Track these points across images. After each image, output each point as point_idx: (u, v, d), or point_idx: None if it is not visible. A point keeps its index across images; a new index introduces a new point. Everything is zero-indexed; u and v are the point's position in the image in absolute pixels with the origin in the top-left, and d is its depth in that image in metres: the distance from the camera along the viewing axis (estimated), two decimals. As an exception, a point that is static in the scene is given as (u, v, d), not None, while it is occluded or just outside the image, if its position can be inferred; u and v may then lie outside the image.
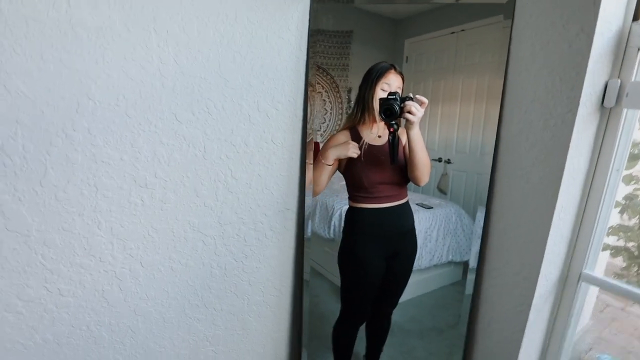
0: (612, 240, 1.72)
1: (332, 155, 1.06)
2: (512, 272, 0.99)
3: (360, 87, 1.05)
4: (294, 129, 1.06)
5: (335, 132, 1.12)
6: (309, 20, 1.01)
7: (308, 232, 1.16)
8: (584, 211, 0.97)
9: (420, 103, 0.93)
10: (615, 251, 1.69)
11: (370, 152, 1.06)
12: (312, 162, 1.09)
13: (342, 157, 1.06)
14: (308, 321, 1.22)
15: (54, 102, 0.72)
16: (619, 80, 0.86)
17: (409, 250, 1.15)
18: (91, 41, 0.73)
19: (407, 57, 1.13)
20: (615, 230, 1.60)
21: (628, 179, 1.49)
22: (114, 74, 0.77)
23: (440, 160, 1.14)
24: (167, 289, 0.96)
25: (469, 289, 1.09)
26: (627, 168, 1.35)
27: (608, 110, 0.89)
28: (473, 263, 1.07)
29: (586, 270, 0.99)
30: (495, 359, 1.07)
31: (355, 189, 1.10)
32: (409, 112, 0.92)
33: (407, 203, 1.12)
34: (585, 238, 0.98)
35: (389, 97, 0.93)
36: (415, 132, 0.96)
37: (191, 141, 0.90)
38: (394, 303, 1.20)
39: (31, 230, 0.75)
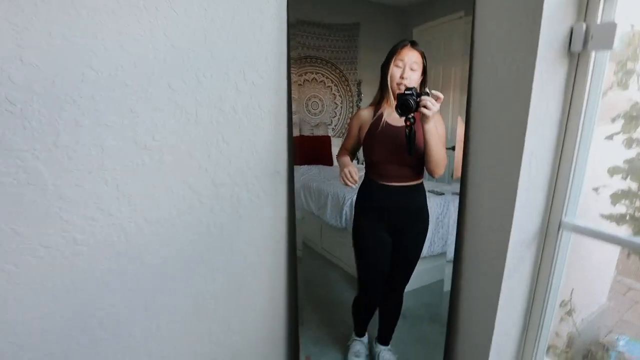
0: (621, 208, 1.66)
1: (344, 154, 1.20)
2: (487, 225, 1.02)
3: (382, 67, 1.10)
4: (280, 97, 1.14)
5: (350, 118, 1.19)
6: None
7: (302, 198, 1.24)
8: (560, 158, 0.98)
9: (436, 98, 0.97)
10: (621, 219, 1.62)
11: (386, 131, 1.11)
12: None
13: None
14: (303, 284, 1.29)
15: (61, 73, 0.85)
16: (584, 24, 0.88)
17: (415, 228, 1.18)
18: (90, 18, 0.85)
19: None
20: (618, 197, 1.54)
21: (629, 142, 1.44)
22: (110, 47, 0.88)
23: (453, 148, 1.14)
24: (169, 244, 1.07)
25: (448, 283, 1.11)
26: (626, 131, 1.32)
27: (577, 55, 0.91)
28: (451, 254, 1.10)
29: (566, 219, 1.01)
30: (477, 311, 1.09)
31: (367, 163, 1.17)
32: (425, 107, 0.96)
33: (418, 185, 1.14)
34: (562, 185, 0.99)
35: (406, 92, 0.98)
36: (431, 126, 1.00)
37: (184, 107, 1.00)
38: (403, 281, 1.23)
39: (48, 185, 0.88)
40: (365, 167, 1.17)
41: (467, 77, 1.03)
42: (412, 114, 0.99)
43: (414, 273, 1.21)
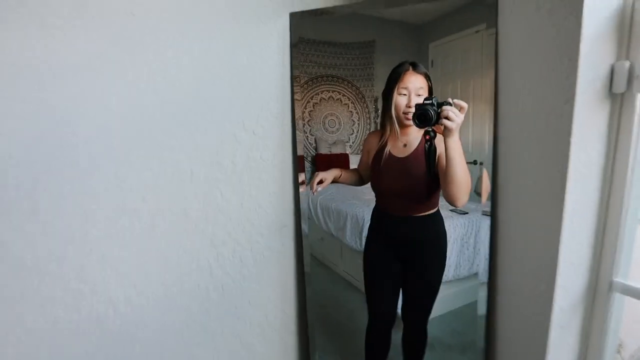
0: None
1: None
2: (528, 285, 0.89)
3: (383, 94, 1.03)
4: (283, 145, 1.05)
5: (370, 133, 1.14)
6: (290, 36, 1.01)
7: (320, 218, 1.18)
8: (606, 212, 0.85)
9: (460, 108, 0.85)
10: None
11: (390, 163, 1.03)
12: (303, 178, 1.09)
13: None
14: (315, 341, 1.17)
15: (39, 139, 0.77)
16: (628, 62, 0.76)
17: (429, 260, 1.07)
18: (69, 79, 0.77)
19: (432, 61, 1.11)
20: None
21: None
22: (93, 108, 0.80)
23: (475, 162, 1.04)
24: (165, 314, 0.96)
25: (482, 308, 0.99)
26: None
27: (619, 97, 0.80)
28: (483, 277, 0.98)
29: (618, 279, 0.87)
30: (520, 345, 0.94)
31: (375, 193, 1.09)
32: (447, 118, 0.84)
33: (430, 215, 1.04)
34: (611, 242, 0.86)
35: (425, 101, 0.88)
36: (454, 141, 0.86)
37: (176, 165, 0.91)
38: (420, 314, 1.12)
39: (25, 260, 0.79)
40: (375, 196, 1.11)
41: (486, 90, 0.94)
42: (432, 127, 0.87)
43: (439, 298, 1.12)
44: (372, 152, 1.07)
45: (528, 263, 0.89)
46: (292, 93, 1.04)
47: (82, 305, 0.86)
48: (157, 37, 0.84)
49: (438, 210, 1.04)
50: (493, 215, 0.95)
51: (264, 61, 0.99)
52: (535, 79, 0.79)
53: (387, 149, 1.03)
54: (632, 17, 0.76)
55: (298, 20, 1.03)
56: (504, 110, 0.88)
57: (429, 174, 0.95)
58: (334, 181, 1.11)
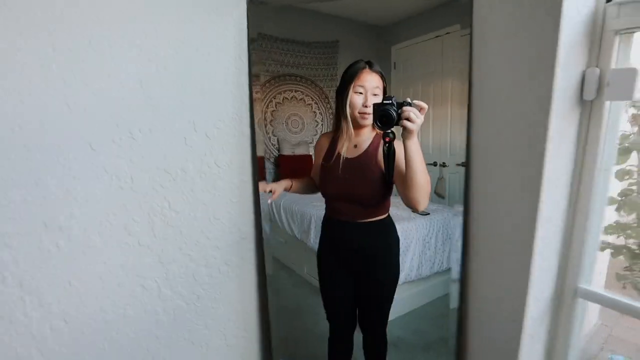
0: (611, 238, 1.61)
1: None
2: (498, 296, 0.87)
3: (337, 93, 0.97)
4: (242, 148, 0.94)
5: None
6: (247, 27, 0.90)
7: (283, 220, 1.15)
8: (573, 219, 0.85)
9: (420, 108, 0.80)
10: (616, 250, 1.58)
11: (340, 163, 0.96)
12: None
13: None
14: (284, 316, 1.11)
15: None
16: (598, 69, 0.75)
17: (381, 269, 1.02)
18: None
19: (394, 64, 1.11)
20: (613, 229, 1.49)
21: (621, 174, 1.40)
22: (7, 102, 0.65)
23: (435, 164, 1.08)
24: (102, 346, 0.82)
25: (454, 302, 0.98)
26: (619, 163, 1.26)
27: (589, 104, 0.79)
28: (455, 274, 0.97)
29: (582, 285, 0.88)
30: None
31: (324, 198, 1.03)
32: (407, 119, 0.79)
33: (381, 221, 0.98)
34: (577, 249, 0.86)
35: (384, 102, 0.82)
36: (414, 143, 0.82)
37: (114, 172, 0.77)
38: (376, 322, 1.08)
39: None
40: (324, 201, 1.04)
41: (451, 92, 0.95)
42: (392, 129, 0.83)
43: (403, 297, 1.12)
44: (322, 154, 1.01)
45: (500, 268, 0.87)
46: (251, 91, 0.94)
47: (-7, 344, 0.71)
48: (90, 22, 0.70)
49: (389, 216, 1.00)
50: (465, 219, 0.91)
51: (219, 54, 0.87)
52: (511, 83, 0.76)
53: (337, 149, 0.97)
54: (603, 23, 0.74)
55: (257, 11, 0.92)
56: (478, 114, 0.85)
57: (387, 177, 0.90)
58: (286, 190, 1.04)
